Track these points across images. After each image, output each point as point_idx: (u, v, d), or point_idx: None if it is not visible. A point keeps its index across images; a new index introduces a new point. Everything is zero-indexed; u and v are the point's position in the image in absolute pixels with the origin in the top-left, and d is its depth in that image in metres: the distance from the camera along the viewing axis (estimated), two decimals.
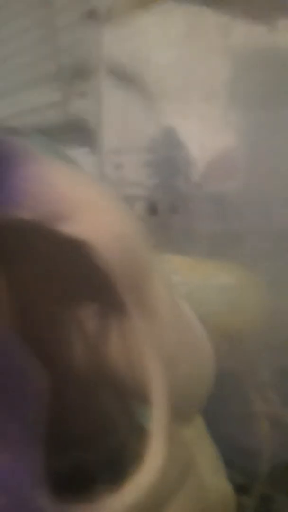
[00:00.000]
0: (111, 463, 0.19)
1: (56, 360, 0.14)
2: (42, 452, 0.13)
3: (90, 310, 0.20)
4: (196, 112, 0.38)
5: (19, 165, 0.13)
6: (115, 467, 0.19)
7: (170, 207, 0.36)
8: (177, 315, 0.15)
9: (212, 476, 0.16)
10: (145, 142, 0.41)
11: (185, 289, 0.19)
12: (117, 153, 0.41)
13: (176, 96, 0.39)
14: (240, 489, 0.18)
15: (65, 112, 0.41)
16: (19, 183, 0.13)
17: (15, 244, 0.16)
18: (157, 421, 0.15)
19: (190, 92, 0.37)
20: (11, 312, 0.19)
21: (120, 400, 0.20)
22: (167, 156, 0.41)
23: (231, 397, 0.24)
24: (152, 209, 0.36)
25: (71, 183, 0.14)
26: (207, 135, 0.39)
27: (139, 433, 0.19)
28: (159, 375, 0.15)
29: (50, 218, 0.13)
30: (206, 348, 0.17)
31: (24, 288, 0.19)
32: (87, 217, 0.14)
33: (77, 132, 0.41)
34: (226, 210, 0.37)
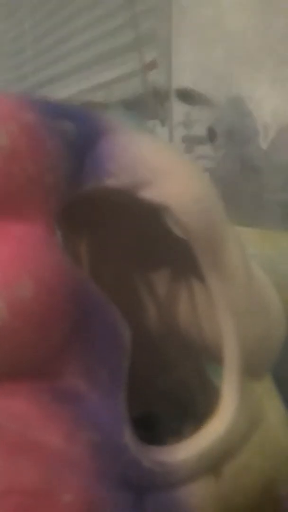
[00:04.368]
0: (183, 415, 0.21)
1: (130, 321, 0.15)
2: (124, 397, 0.15)
3: (162, 274, 0.21)
4: (269, 77, 0.38)
5: (106, 136, 0.14)
6: (187, 418, 0.20)
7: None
8: (250, 277, 0.16)
9: (279, 427, 0.17)
10: (214, 112, 0.41)
11: (258, 260, 0.19)
12: (186, 125, 0.41)
13: (249, 61, 0.39)
14: None
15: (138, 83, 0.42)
16: (107, 152, 0.14)
17: (100, 210, 0.17)
18: (229, 378, 0.16)
19: (262, 57, 0.37)
20: (89, 274, 0.20)
21: (191, 358, 0.22)
22: (236, 126, 0.40)
23: None
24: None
25: (152, 152, 0.15)
26: (279, 101, 0.38)
27: (211, 389, 0.20)
28: (232, 334, 0.16)
29: (134, 185, 0.14)
30: (277, 311, 0.17)
31: (102, 250, 0.20)
32: (167, 182, 0.14)
33: (148, 104, 0.42)
34: None
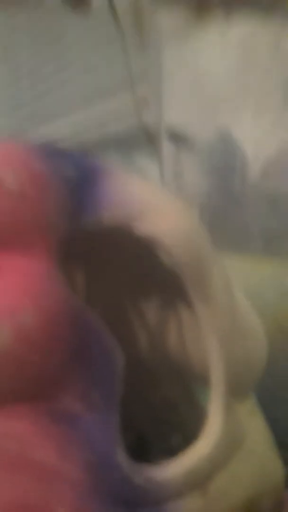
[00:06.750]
0: (173, 437, 0.22)
1: (122, 348, 0.16)
2: (117, 419, 0.16)
3: (152, 302, 0.22)
4: (251, 113, 0.40)
5: (102, 178, 0.16)
6: (175, 437, 0.21)
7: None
8: (233, 305, 0.17)
9: (261, 446, 0.18)
10: (202, 145, 0.43)
11: (245, 286, 0.21)
12: (176, 160, 0.43)
13: (232, 100, 0.41)
14: None
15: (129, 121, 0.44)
16: (103, 192, 0.15)
17: (95, 243, 0.19)
18: (215, 399, 0.17)
19: (245, 96, 0.39)
20: (85, 302, 0.22)
21: (181, 383, 0.23)
22: (224, 158, 0.42)
23: (285, 384, 0.26)
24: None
25: (143, 191, 0.17)
26: (262, 135, 0.40)
27: (198, 409, 0.21)
28: (218, 357, 0.17)
29: (127, 220, 0.16)
30: (259, 336, 0.19)
31: (97, 281, 0.22)
32: (157, 218, 0.16)
33: (140, 141, 0.44)
34: (281, 208, 0.39)
